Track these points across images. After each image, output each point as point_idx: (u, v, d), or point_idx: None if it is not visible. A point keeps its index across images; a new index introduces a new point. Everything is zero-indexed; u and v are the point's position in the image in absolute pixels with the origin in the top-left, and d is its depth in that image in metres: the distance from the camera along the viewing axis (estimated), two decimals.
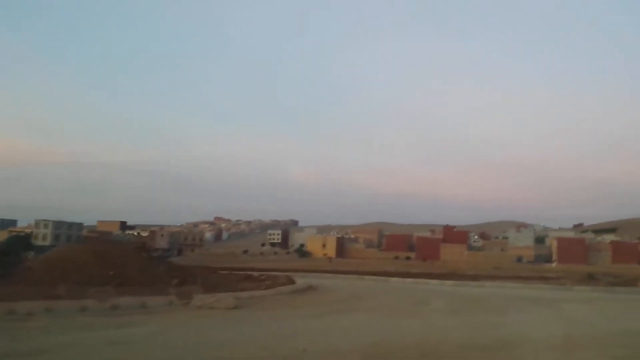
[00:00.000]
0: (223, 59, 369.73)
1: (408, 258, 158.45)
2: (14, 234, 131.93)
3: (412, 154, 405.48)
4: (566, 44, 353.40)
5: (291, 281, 26.45)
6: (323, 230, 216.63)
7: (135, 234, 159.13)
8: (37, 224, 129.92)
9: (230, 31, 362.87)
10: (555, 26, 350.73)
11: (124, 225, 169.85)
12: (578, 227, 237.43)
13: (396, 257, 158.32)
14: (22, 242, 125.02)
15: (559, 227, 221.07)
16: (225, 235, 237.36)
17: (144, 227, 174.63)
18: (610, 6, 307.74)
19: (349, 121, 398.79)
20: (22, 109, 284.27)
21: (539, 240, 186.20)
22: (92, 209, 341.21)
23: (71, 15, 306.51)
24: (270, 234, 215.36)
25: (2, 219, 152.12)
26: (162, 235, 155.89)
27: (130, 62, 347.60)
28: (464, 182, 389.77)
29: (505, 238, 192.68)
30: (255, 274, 32.77)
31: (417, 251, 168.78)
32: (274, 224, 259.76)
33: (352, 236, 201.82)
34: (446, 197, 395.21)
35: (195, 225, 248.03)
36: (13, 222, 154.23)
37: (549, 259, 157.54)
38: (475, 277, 45.63)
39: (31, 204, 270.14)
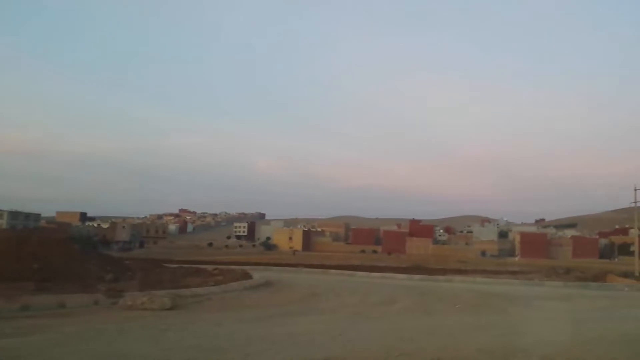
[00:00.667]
0: (193, 49, 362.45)
1: (375, 252, 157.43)
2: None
3: (379, 148, 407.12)
4: (531, 43, 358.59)
5: (247, 276, 23.95)
6: (290, 223, 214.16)
7: (95, 225, 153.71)
8: None
9: (204, 19, 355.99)
10: (520, 25, 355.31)
11: (84, 217, 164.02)
12: (540, 222, 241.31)
13: (362, 251, 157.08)
14: None
15: (522, 222, 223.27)
16: (190, 227, 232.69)
17: (105, 219, 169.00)
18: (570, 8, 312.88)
19: (317, 114, 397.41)
20: None
21: (503, 234, 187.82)
22: (52, 200, 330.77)
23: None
24: (236, 227, 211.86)
25: None
26: (124, 227, 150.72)
27: (97, 52, 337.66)
28: (430, 176, 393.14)
29: (470, 232, 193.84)
30: (210, 267, 30.11)
31: (383, 245, 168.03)
32: (241, 217, 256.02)
33: (319, 229, 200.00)
34: (412, 191, 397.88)
35: (160, 217, 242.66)
36: None
37: (512, 253, 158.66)
38: (442, 271, 43.92)
39: None
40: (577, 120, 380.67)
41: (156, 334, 10.31)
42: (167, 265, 30.38)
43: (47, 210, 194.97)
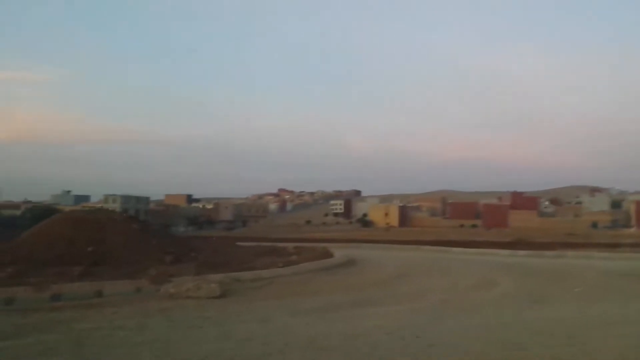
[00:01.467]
0: (271, 32, 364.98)
1: (474, 226, 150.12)
2: (86, 209, 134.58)
3: (475, 119, 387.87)
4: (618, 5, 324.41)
5: (327, 255, 21.44)
6: (386, 199, 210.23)
7: (201, 206, 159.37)
8: (106, 199, 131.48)
9: (271, 2, 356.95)
10: None
11: (190, 199, 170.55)
12: None
13: (461, 226, 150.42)
14: None
15: (636, 191, 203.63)
16: (289, 206, 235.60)
17: (210, 200, 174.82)
18: None
19: (408, 89, 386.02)
20: (89, 90, 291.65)
21: (615, 204, 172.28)
22: (160, 184, 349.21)
23: None
24: (332, 204, 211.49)
25: (76, 195, 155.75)
26: (227, 207, 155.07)
27: (182, 43, 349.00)
28: (531, 146, 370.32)
29: (579, 203, 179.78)
30: (291, 245, 28.09)
31: (483, 219, 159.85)
32: (337, 195, 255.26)
33: (416, 205, 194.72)
34: (513, 162, 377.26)
35: (260, 197, 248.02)
36: (86, 198, 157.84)
37: (627, 224, 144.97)
38: (550, 246, 39.00)
39: (104, 180, 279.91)
40: None
41: (177, 335, 8.00)
42: (243, 243, 28.85)
43: (157, 193, 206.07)
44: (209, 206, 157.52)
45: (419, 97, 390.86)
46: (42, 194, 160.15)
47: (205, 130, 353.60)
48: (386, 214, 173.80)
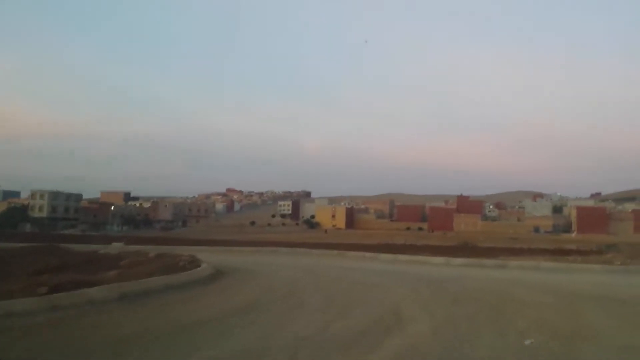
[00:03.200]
0: (236, 28, 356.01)
1: (420, 229, 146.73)
2: (12, 205, 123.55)
3: (424, 124, 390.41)
4: (583, 18, 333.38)
5: (177, 267, 14.77)
6: (334, 201, 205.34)
7: (138, 205, 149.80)
8: (33, 194, 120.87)
9: None
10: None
11: (127, 197, 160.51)
12: (596, 196, 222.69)
13: (408, 228, 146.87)
14: (18, 213, 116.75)
15: (576, 197, 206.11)
16: (237, 206, 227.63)
17: (151, 199, 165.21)
18: None
19: (361, 92, 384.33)
20: (25, 78, 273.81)
21: (557, 210, 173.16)
22: (101, 181, 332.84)
23: None
24: (281, 205, 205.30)
25: (5, 190, 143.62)
26: (166, 206, 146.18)
27: (136, 32, 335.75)
28: (478, 152, 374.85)
29: (522, 208, 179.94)
30: (185, 252, 21.52)
31: (429, 222, 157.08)
32: (286, 196, 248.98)
33: (364, 207, 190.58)
34: (460, 167, 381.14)
35: (208, 197, 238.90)
36: (17, 194, 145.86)
37: (567, 229, 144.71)
38: (492, 252, 33.77)
39: (40, 176, 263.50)
40: (635, 91, 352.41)
41: None
42: (135, 247, 22.12)
43: (92, 191, 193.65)
44: (147, 204, 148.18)
45: (373, 99, 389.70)
46: None
47: (154, 127, 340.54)
48: (333, 216, 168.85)
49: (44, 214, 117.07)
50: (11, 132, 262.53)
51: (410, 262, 25.03)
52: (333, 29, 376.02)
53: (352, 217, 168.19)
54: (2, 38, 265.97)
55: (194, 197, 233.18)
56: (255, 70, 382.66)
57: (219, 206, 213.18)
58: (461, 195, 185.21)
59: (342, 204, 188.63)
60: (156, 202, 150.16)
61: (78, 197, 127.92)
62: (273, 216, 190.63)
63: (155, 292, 11.20)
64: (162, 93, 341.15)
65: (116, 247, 30.42)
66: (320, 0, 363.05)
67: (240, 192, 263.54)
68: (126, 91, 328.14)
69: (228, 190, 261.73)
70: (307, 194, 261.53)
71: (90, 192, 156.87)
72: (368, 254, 29.99)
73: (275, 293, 12.35)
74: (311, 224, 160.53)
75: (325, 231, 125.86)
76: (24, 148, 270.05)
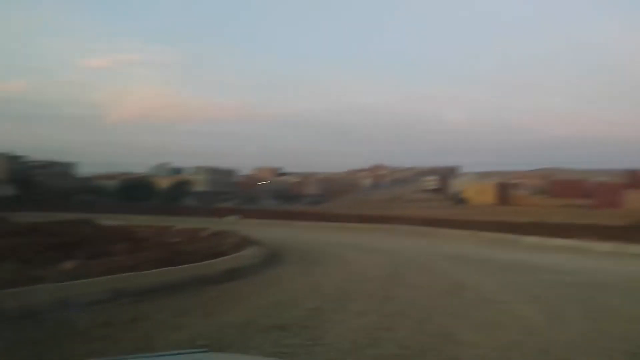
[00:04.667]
0: (376, 10, 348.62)
1: (581, 206, 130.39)
2: (178, 180, 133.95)
3: (585, 93, 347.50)
4: None
5: (222, 251, 11.48)
6: (485, 176, 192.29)
7: (288, 180, 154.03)
8: (196, 170, 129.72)
9: None
10: None
11: (279, 173, 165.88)
12: None
13: (566, 205, 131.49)
14: (184, 187, 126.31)
15: None
16: (384, 182, 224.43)
17: (300, 175, 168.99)
18: None
19: (513, 63, 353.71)
20: (187, 69, 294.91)
21: None
22: (256, 158, 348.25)
23: None
24: (427, 181, 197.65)
25: (174, 168, 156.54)
26: (313, 181, 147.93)
27: (287, 19, 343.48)
28: None
29: None
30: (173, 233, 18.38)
31: (593, 198, 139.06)
32: (434, 171, 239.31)
33: (517, 182, 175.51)
34: (632, 140, 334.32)
35: (356, 172, 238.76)
36: (180, 170, 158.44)
37: None
38: None
39: (201, 154, 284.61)
40: None
41: None
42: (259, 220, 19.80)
43: (248, 167, 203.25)
44: (296, 180, 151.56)
45: (525, 71, 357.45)
46: (143, 166, 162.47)
47: (306, 106, 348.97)
48: (483, 191, 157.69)
49: (203, 188, 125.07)
50: (178, 116, 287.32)
51: (563, 250, 19.27)
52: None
53: (503, 193, 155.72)
54: (166, 37, 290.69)
55: (342, 172, 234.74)
56: (399, 48, 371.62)
57: (366, 181, 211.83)
58: (632, 169, 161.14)
59: (493, 179, 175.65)
60: (304, 177, 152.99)
61: (234, 173, 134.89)
62: (419, 191, 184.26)
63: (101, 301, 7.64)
64: (311, 73, 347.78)
65: (229, 220, 28.65)
66: None
67: (388, 167, 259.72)
68: (276, 75, 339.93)
69: (375, 165, 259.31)
70: (456, 169, 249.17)
71: (246, 168, 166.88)
72: (510, 237, 24.39)
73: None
74: (458, 199, 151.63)
75: (457, 206, 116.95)
76: (190, 130, 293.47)
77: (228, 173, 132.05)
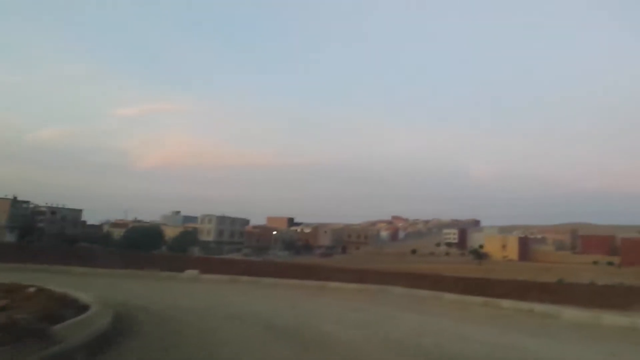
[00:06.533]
0: (407, 56, 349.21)
1: (610, 263, 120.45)
2: (186, 229, 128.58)
3: (612, 145, 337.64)
4: None
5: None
6: (506, 230, 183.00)
7: (298, 230, 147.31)
8: (202, 219, 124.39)
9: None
10: None
11: (291, 222, 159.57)
12: None
13: (595, 262, 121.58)
14: (190, 237, 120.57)
15: None
16: (401, 234, 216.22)
17: (313, 225, 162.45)
18: None
19: (537, 112, 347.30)
20: (213, 116, 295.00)
21: None
22: (265, 206, 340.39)
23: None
24: (446, 234, 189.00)
25: (185, 216, 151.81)
26: (325, 232, 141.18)
27: (306, 65, 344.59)
28: None
29: None
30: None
31: (622, 255, 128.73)
32: (453, 224, 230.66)
33: (539, 237, 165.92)
34: None
35: (373, 224, 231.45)
36: (194, 219, 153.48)
37: None
38: None
39: (215, 202, 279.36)
40: None
41: None
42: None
43: (261, 216, 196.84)
44: (308, 230, 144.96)
45: (549, 120, 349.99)
46: (156, 214, 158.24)
47: (323, 155, 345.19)
48: (503, 246, 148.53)
49: (211, 237, 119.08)
50: (200, 162, 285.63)
51: (619, 333, 12.37)
52: (498, 46, 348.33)
53: (526, 248, 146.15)
54: (196, 85, 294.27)
55: (359, 224, 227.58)
56: (419, 94, 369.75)
57: (384, 234, 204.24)
58: None
59: (514, 233, 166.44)
60: (316, 228, 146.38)
61: (244, 221, 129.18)
62: (438, 245, 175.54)
63: None
64: (332, 124, 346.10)
65: (188, 275, 22.43)
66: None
67: (406, 219, 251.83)
68: (301, 123, 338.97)
69: (393, 217, 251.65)
70: (476, 223, 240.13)
71: (259, 217, 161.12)
72: (538, 307, 17.38)
73: None
74: (478, 254, 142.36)
75: (480, 263, 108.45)
76: (207, 176, 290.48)
77: (238, 222, 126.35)
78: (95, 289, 11.39)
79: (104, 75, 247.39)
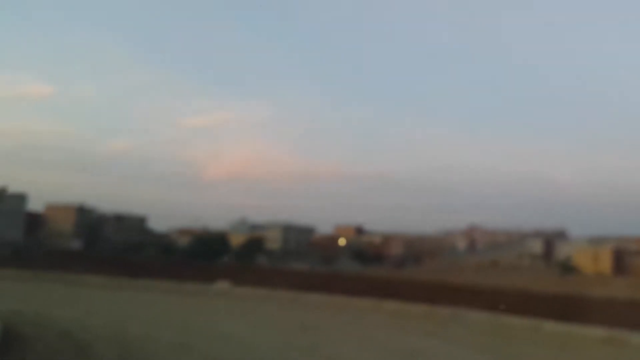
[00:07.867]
0: (467, 62, 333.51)
1: None
2: (252, 237, 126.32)
3: None
4: None
5: None
6: (597, 241, 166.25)
7: (368, 239, 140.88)
8: (268, 227, 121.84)
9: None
10: None
11: (359, 231, 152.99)
12: None
13: None
14: (255, 245, 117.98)
15: None
16: (479, 245, 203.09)
17: (383, 234, 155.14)
18: None
19: (630, 118, 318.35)
20: (277, 126, 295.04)
21: None
22: (339, 215, 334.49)
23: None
24: (529, 245, 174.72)
25: (253, 225, 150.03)
26: (397, 242, 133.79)
27: (361, 74, 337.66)
28: None
29: None
30: None
31: None
32: (537, 234, 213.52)
33: (638, 249, 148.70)
34: None
35: (448, 233, 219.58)
36: (262, 227, 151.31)
37: None
38: None
39: (285, 211, 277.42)
40: None
41: None
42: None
43: (331, 224, 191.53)
44: (376, 239, 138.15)
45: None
46: (223, 221, 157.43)
47: (397, 165, 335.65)
48: (595, 259, 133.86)
49: (277, 245, 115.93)
50: (267, 171, 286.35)
51: None
52: (573, 50, 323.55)
53: (621, 262, 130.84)
54: (257, 92, 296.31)
55: (433, 233, 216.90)
56: (495, 102, 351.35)
57: (460, 244, 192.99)
58: None
59: (608, 245, 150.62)
60: (387, 237, 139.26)
61: (310, 230, 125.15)
62: (520, 257, 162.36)
63: None
64: (408, 133, 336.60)
65: (218, 289, 17.43)
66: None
67: (484, 230, 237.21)
68: (372, 133, 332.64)
69: (470, 227, 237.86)
70: (562, 233, 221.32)
71: (326, 225, 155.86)
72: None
73: None
74: (566, 267, 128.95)
75: (560, 279, 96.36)
76: (273, 185, 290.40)
77: (304, 230, 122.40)
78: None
79: (172, 85, 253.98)
